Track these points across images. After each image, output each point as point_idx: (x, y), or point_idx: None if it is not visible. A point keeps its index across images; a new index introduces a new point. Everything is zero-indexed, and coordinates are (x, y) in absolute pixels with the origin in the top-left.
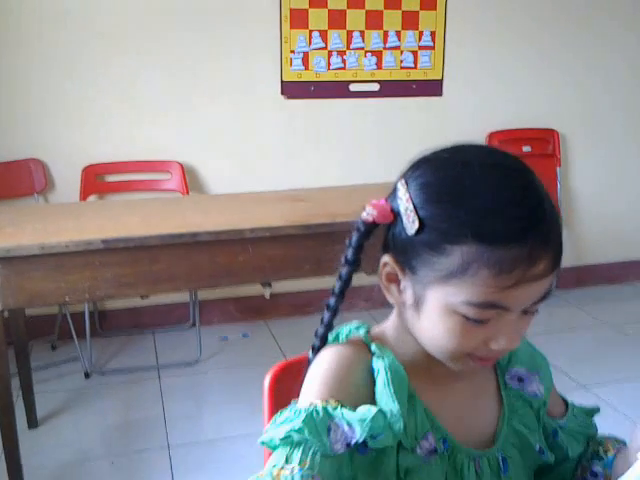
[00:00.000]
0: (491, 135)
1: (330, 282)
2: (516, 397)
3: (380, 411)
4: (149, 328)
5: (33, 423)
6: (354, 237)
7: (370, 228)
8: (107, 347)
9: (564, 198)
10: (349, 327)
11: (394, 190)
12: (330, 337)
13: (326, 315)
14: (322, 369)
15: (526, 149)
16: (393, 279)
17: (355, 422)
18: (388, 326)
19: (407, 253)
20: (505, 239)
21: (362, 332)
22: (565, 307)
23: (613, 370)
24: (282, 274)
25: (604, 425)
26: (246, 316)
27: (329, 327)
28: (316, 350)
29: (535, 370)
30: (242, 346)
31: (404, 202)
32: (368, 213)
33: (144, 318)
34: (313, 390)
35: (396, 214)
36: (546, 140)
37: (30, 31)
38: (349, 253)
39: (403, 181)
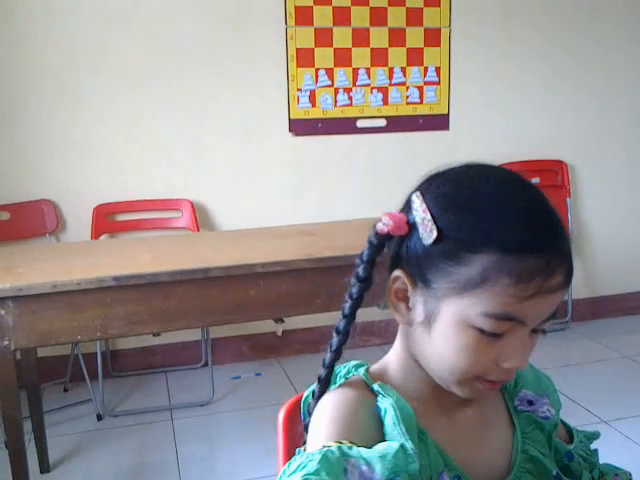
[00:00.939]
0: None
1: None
2: (528, 421)
3: (402, 446)
4: (161, 368)
5: (45, 467)
6: (366, 252)
7: (383, 240)
8: (119, 388)
9: (575, 229)
10: (347, 367)
11: (407, 203)
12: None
13: (335, 340)
14: (327, 417)
15: (535, 180)
16: (402, 297)
17: (375, 460)
18: (390, 360)
19: (422, 266)
20: (527, 249)
21: (362, 372)
22: (581, 340)
23: (635, 405)
24: (294, 309)
25: (627, 460)
26: (258, 354)
27: (336, 354)
28: (319, 389)
29: (543, 393)
30: (255, 385)
31: (420, 213)
32: (384, 224)
33: (156, 358)
34: (322, 435)
35: (411, 226)
36: (554, 171)
37: (41, 71)
38: (361, 269)
39: (418, 193)
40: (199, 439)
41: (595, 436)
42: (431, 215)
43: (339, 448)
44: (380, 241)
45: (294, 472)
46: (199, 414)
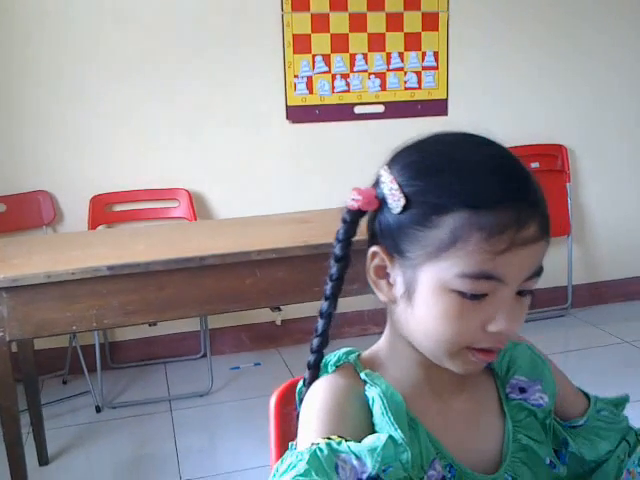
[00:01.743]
0: None
1: (341, 305)
2: (519, 409)
3: (391, 437)
4: (160, 359)
5: (44, 459)
6: (341, 230)
7: (356, 217)
8: (118, 380)
9: (575, 214)
10: (337, 354)
11: (377, 178)
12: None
13: (319, 323)
14: (316, 408)
15: (534, 165)
16: (382, 273)
17: (365, 453)
18: (380, 344)
19: (395, 237)
20: (494, 202)
21: (352, 358)
22: (581, 326)
23: (636, 390)
24: (290, 298)
25: None
26: (258, 344)
27: (323, 337)
28: (309, 375)
29: (537, 378)
30: (254, 375)
31: (388, 184)
32: (353, 199)
33: (155, 349)
34: (311, 431)
35: (381, 200)
36: (554, 156)
37: (37, 62)
38: (337, 249)
39: (385, 166)
40: (198, 430)
41: (622, 401)
42: (398, 184)
43: (328, 445)
44: (353, 218)
45: (285, 472)
46: (198, 405)
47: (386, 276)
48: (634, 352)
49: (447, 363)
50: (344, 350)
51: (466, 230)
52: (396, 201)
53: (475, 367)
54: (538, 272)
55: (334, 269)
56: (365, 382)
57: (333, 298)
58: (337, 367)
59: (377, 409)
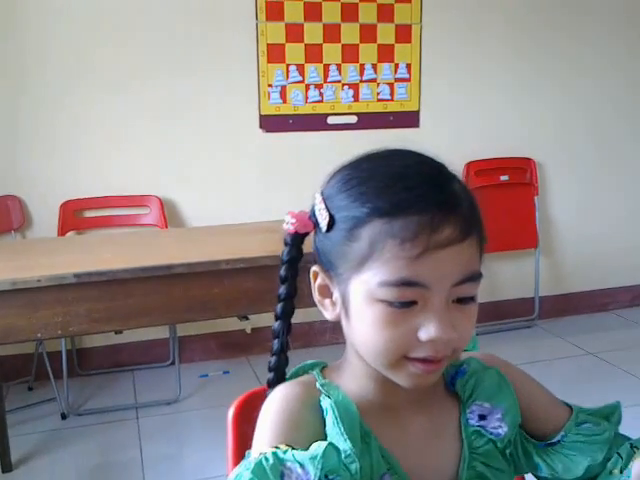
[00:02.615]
0: (468, 165)
1: (311, 314)
2: (478, 435)
3: (331, 445)
4: (128, 366)
5: (7, 467)
6: (284, 252)
7: (296, 240)
8: (85, 387)
9: (543, 226)
10: (303, 365)
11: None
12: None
13: (275, 342)
14: (269, 415)
15: (504, 178)
16: (326, 293)
17: (307, 461)
18: (343, 358)
19: (327, 254)
20: (403, 208)
21: (315, 371)
22: (548, 338)
23: (599, 401)
24: (258, 307)
25: None
26: (227, 352)
27: (279, 356)
28: (272, 384)
29: (499, 404)
30: (223, 383)
31: (317, 204)
32: (287, 222)
33: (123, 356)
34: (262, 439)
35: (315, 222)
36: (523, 169)
37: (8, 67)
38: (282, 270)
39: (319, 191)
40: (164, 438)
41: (611, 409)
42: (324, 204)
43: (274, 454)
44: (293, 241)
45: None
46: (165, 413)
47: (330, 295)
48: (598, 363)
49: (392, 376)
50: (311, 362)
51: (381, 239)
52: (323, 220)
53: (421, 380)
54: (472, 277)
55: (280, 289)
56: (321, 392)
57: (283, 318)
58: (298, 376)
59: (329, 419)
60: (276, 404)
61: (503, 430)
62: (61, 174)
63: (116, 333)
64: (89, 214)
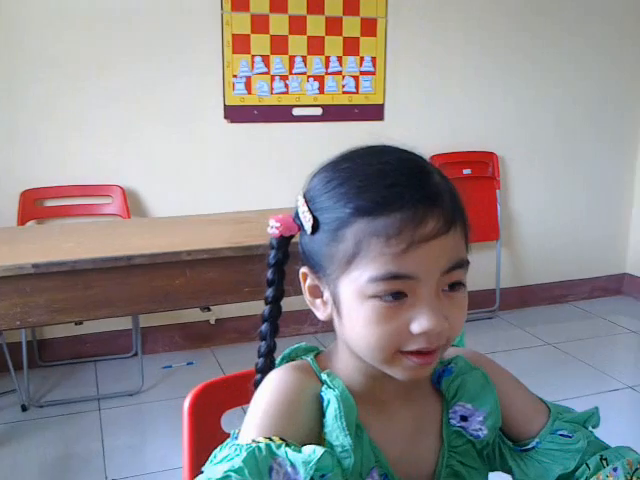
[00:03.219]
0: (432, 158)
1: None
2: (458, 435)
3: (327, 451)
4: (90, 357)
5: None
6: (270, 255)
7: (282, 243)
8: (46, 378)
9: (504, 220)
10: (297, 349)
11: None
12: (277, 360)
13: (263, 345)
14: (265, 401)
15: (467, 172)
16: (316, 293)
17: (299, 464)
18: (333, 350)
19: (314, 256)
20: (385, 206)
21: (310, 358)
22: (508, 328)
23: (556, 391)
24: (221, 298)
25: None
26: (191, 343)
27: (267, 357)
28: (262, 371)
29: (482, 406)
30: (186, 374)
31: (301, 207)
32: (272, 227)
33: (85, 347)
34: (256, 424)
35: (299, 224)
36: (486, 163)
37: None
38: (269, 273)
39: (301, 193)
40: (126, 429)
41: (589, 416)
42: (307, 206)
43: (267, 446)
44: (278, 244)
45: (220, 462)
46: (127, 404)
47: (320, 295)
48: (556, 354)
49: (388, 370)
50: (304, 345)
51: (366, 237)
52: (307, 222)
53: (417, 372)
54: (460, 264)
55: (267, 292)
56: (324, 382)
57: (270, 319)
58: (291, 359)
59: (331, 412)
60: (273, 389)
61: (483, 433)
62: (21, 163)
63: (76, 324)
64: (50, 203)
